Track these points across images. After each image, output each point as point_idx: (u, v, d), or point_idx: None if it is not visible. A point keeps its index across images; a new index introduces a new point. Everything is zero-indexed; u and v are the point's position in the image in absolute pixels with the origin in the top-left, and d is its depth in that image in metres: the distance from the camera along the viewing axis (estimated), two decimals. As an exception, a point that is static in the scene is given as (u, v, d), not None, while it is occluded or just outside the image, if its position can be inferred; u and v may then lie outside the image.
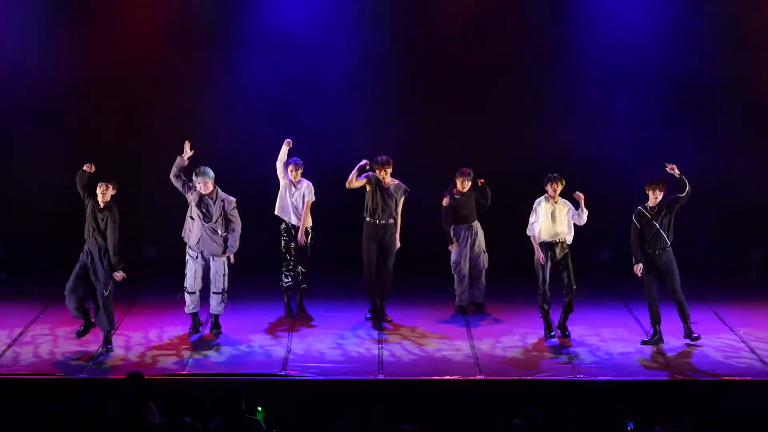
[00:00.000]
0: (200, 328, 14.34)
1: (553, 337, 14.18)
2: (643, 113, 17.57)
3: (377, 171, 14.68)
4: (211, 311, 14.29)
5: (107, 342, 13.70)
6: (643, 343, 14.00)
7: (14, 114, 17.45)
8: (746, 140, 17.62)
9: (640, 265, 13.83)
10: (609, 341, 14.15)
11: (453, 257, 15.26)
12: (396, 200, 14.73)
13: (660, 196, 13.89)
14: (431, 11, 17.57)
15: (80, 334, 13.84)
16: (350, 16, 17.49)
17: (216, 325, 14.32)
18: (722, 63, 17.48)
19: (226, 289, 14.20)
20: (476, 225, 15.27)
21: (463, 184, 15.15)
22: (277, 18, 17.46)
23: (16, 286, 16.81)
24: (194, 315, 14.34)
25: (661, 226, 13.85)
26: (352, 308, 15.18)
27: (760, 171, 17.61)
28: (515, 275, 16.09)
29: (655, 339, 13.99)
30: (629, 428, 11.17)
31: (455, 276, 15.29)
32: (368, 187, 14.73)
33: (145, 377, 11.29)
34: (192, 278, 14.19)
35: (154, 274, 16.97)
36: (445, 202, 15.18)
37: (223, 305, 14.25)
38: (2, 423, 11.84)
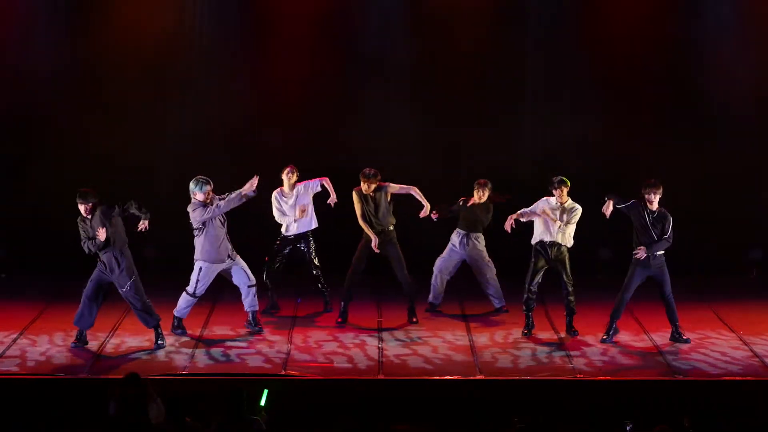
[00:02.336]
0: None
1: (528, 335, 14.28)
2: (644, 112, 17.59)
3: (364, 184, 14.61)
4: (250, 309, 14.36)
5: (159, 337, 13.81)
6: (602, 341, 14.03)
7: (13, 115, 17.46)
8: (746, 140, 17.63)
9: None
10: (609, 341, 14.14)
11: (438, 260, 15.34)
12: (386, 202, 14.72)
13: (655, 198, 13.83)
14: (428, 14, 17.63)
15: (79, 343, 13.85)
16: (350, 20, 17.52)
17: (258, 321, 14.45)
18: (723, 66, 17.51)
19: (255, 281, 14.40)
20: (474, 236, 15.18)
21: (480, 196, 15.12)
22: (279, 19, 17.52)
23: (16, 286, 16.81)
24: (182, 319, 14.38)
25: (654, 229, 13.81)
26: (353, 308, 15.16)
27: (760, 171, 17.63)
28: (515, 275, 16.08)
29: (611, 334, 14.06)
30: (628, 429, 11.16)
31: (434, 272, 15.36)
32: (357, 203, 14.72)
33: (144, 377, 11.27)
34: (205, 285, 14.22)
35: (153, 274, 16.96)
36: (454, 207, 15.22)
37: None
38: (2, 423, 11.83)
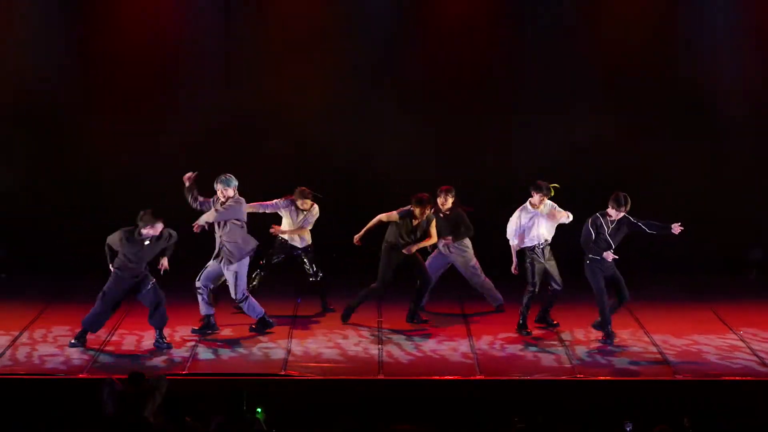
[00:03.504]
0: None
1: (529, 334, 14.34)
2: (645, 112, 17.59)
3: (418, 209, 14.33)
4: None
5: (162, 338, 13.83)
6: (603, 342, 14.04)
7: (14, 115, 17.46)
8: (746, 140, 17.65)
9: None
10: (609, 341, 14.14)
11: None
12: (426, 230, 14.54)
13: (614, 213, 13.79)
14: (418, 18, 17.63)
15: (78, 342, 13.82)
16: (351, 23, 17.53)
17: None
18: (723, 66, 17.52)
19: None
20: (456, 244, 14.99)
21: (443, 202, 14.91)
22: (275, 21, 17.52)
23: (16, 286, 16.80)
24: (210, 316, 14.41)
25: (613, 238, 13.83)
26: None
27: (760, 171, 17.63)
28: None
29: (610, 339, 14.06)
30: (627, 430, 11.16)
31: None
32: (399, 220, 14.44)
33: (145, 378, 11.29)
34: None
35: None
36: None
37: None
38: (2, 423, 11.83)
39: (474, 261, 15.22)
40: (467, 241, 15.17)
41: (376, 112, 17.49)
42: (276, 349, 13.84)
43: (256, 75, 17.55)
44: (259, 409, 11.42)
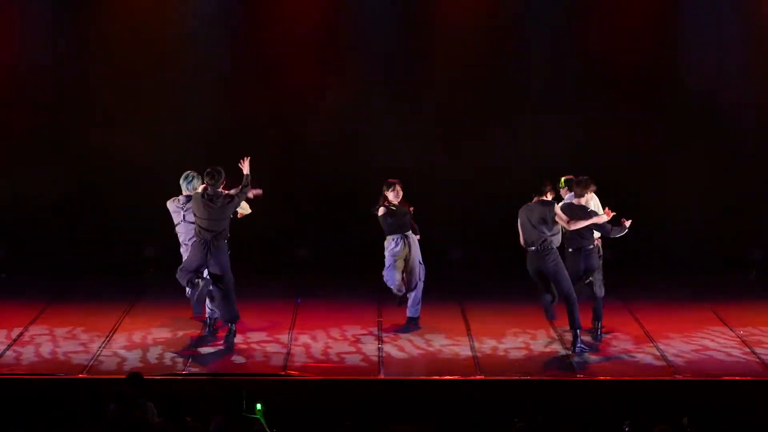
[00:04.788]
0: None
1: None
2: (644, 113, 17.60)
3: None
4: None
5: (232, 335, 13.77)
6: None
7: (13, 115, 17.47)
8: (746, 140, 17.65)
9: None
10: (609, 341, 14.14)
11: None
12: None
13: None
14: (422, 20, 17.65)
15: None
16: (353, 21, 17.53)
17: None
18: (723, 67, 17.53)
19: None
20: (410, 235, 14.46)
21: (397, 195, 14.40)
22: (276, 21, 17.53)
23: (16, 286, 16.80)
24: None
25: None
26: (353, 309, 15.16)
27: (760, 171, 17.64)
28: (515, 275, 16.09)
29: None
30: (626, 430, 11.16)
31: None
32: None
33: (145, 377, 11.29)
34: None
35: (154, 273, 16.99)
36: (380, 211, 14.37)
37: None
38: (2, 423, 11.84)
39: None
40: (414, 240, 14.57)
41: (376, 113, 17.49)
42: (276, 349, 13.84)
43: (256, 75, 17.55)
44: (258, 406, 11.42)
